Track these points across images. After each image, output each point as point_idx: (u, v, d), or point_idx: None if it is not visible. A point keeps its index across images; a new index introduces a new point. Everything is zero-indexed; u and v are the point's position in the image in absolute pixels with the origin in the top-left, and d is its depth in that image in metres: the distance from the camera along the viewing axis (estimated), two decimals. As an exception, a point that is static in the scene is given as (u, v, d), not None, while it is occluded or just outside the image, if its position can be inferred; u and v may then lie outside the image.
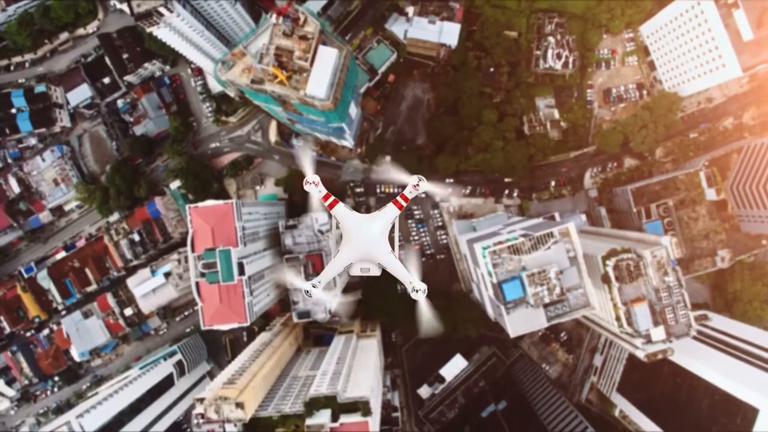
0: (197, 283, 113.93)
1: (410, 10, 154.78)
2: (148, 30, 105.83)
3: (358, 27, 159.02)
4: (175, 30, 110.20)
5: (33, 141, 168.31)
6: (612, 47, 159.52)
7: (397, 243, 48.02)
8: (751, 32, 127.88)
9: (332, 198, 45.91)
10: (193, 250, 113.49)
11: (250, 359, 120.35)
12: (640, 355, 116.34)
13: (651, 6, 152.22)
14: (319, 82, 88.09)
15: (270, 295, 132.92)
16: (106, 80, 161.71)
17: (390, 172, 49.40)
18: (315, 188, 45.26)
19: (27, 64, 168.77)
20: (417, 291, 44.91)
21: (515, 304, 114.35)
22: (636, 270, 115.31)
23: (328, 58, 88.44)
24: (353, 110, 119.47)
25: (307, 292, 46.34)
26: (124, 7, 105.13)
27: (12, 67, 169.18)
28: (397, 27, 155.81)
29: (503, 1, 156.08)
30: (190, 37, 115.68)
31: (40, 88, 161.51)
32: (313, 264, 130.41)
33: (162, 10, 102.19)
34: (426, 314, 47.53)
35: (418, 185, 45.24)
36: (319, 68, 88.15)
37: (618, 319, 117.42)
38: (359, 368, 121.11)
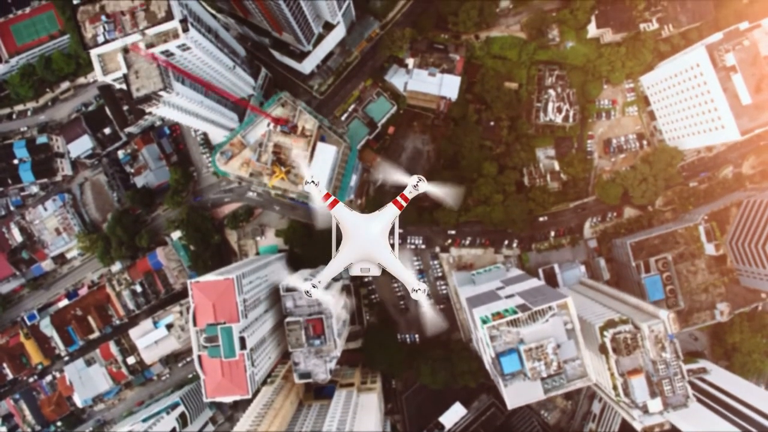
0: (200, 356, 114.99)
1: (410, 62, 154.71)
2: (147, 110, 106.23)
3: (358, 78, 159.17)
4: (175, 106, 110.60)
5: (35, 189, 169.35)
6: (612, 97, 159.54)
7: (396, 243, 48.50)
8: (749, 97, 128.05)
9: (332, 198, 46.42)
10: (195, 324, 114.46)
11: (253, 425, 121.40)
12: (637, 427, 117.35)
13: (651, 58, 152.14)
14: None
15: (271, 357, 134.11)
16: (107, 131, 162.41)
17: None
18: (315, 188, 45.50)
19: (29, 113, 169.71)
20: (417, 291, 45.19)
21: (513, 376, 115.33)
22: (633, 342, 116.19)
23: (326, 155, 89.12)
24: (352, 180, 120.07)
25: (308, 292, 46.86)
26: (123, 86, 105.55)
27: (14, 116, 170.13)
28: (396, 79, 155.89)
29: (504, 52, 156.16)
30: (189, 108, 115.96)
31: (42, 139, 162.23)
32: (314, 327, 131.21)
33: (161, 92, 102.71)
34: (429, 314, 49.22)
35: (417, 185, 45.67)
36: (317, 165, 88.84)
37: (615, 388, 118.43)
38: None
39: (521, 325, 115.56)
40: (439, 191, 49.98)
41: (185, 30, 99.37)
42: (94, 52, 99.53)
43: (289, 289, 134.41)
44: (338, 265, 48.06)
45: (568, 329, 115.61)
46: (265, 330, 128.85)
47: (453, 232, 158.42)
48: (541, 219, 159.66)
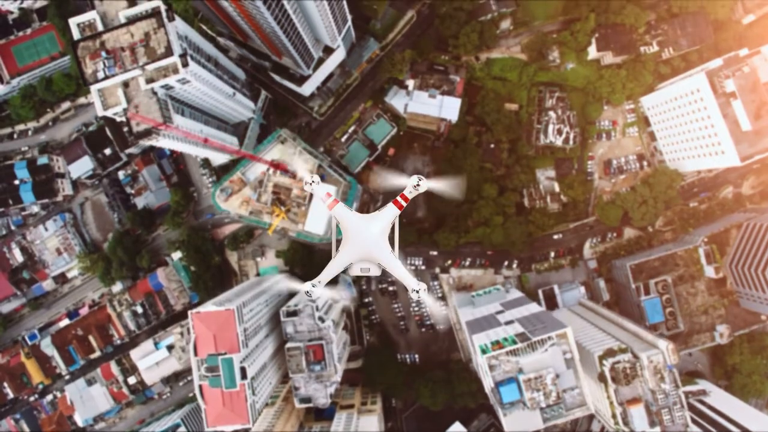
0: (200, 386, 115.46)
1: (410, 83, 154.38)
2: (147, 144, 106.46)
3: (358, 99, 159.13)
4: (175, 137, 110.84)
5: (36, 208, 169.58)
6: (613, 118, 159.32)
7: (397, 243, 48.55)
8: (749, 123, 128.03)
9: (332, 198, 46.58)
10: (196, 354, 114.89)
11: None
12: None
13: (651, 80, 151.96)
14: (317, 220, 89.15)
15: (272, 382, 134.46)
16: (107, 151, 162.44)
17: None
18: (315, 188, 45.57)
19: (30, 132, 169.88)
20: (417, 291, 45.37)
21: (512, 405, 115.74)
22: (632, 371, 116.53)
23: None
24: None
25: (308, 292, 46.95)
26: (124, 119, 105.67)
27: (15, 135, 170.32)
28: (396, 100, 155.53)
29: (504, 73, 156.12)
30: (189, 138, 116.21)
31: (43, 159, 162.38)
32: (314, 352, 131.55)
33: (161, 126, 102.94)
34: (434, 308, 48.91)
35: (418, 185, 45.81)
36: (317, 205, 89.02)
37: (614, 417, 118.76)
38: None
39: (520, 355, 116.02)
40: (440, 185, 49.99)
41: (185, 65, 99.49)
42: (94, 88, 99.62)
43: (290, 314, 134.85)
44: (338, 264, 48.12)
45: (567, 359, 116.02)
46: (266, 356, 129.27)
47: (434, 252, 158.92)
48: (555, 237, 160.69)
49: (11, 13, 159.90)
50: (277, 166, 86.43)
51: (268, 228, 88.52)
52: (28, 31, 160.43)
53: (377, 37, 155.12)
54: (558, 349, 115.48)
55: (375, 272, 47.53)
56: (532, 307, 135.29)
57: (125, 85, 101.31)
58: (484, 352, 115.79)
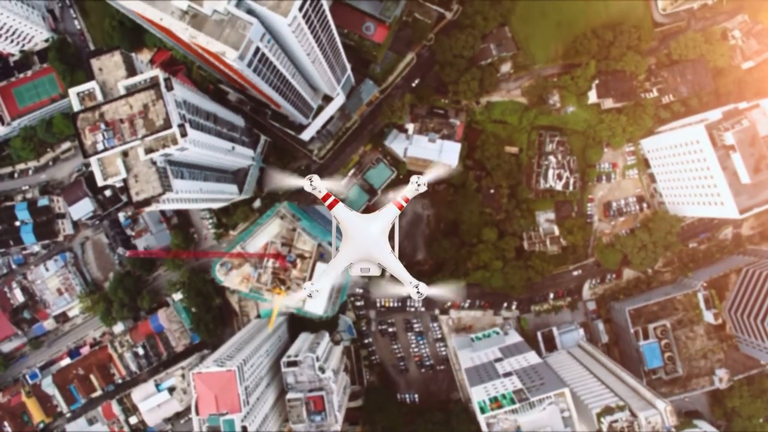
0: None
1: (410, 127, 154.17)
2: (147, 210, 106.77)
3: (358, 142, 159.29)
4: (175, 200, 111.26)
5: (36, 248, 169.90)
6: (613, 160, 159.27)
7: (396, 243, 48.98)
8: (748, 176, 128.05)
9: (332, 198, 46.81)
10: (197, 414, 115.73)
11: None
12: None
13: (651, 124, 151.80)
14: (317, 300, 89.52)
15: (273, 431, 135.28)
16: (108, 193, 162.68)
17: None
18: (314, 188, 45.64)
19: (30, 172, 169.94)
20: (417, 289, 45.63)
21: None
22: (630, 431, 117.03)
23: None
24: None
25: (310, 295, 47.19)
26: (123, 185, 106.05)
27: (16, 175, 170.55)
28: (396, 144, 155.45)
29: (504, 116, 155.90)
30: (189, 198, 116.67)
31: (43, 201, 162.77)
32: (315, 403, 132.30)
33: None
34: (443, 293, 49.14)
35: (418, 186, 46.32)
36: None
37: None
38: None
39: (519, 413, 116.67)
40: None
41: (183, 135, 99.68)
42: (93, 159, 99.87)
43: (290, 363, 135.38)
44: (338, 265, 48.41)
45: (565, 417, 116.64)
46: (266, 408, 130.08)
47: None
48: (575, 273, 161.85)
49: (12, 55, 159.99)
50: (276, 256, 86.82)
51: (268, 323, 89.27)
52: (29, 72, 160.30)
53: (377, 81, 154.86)
54: (556, 408, 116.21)
55: (375, 272, 47.72)
56: (531, 357, 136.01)
57: (124, 154, 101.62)
58: (482, 410, 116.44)
